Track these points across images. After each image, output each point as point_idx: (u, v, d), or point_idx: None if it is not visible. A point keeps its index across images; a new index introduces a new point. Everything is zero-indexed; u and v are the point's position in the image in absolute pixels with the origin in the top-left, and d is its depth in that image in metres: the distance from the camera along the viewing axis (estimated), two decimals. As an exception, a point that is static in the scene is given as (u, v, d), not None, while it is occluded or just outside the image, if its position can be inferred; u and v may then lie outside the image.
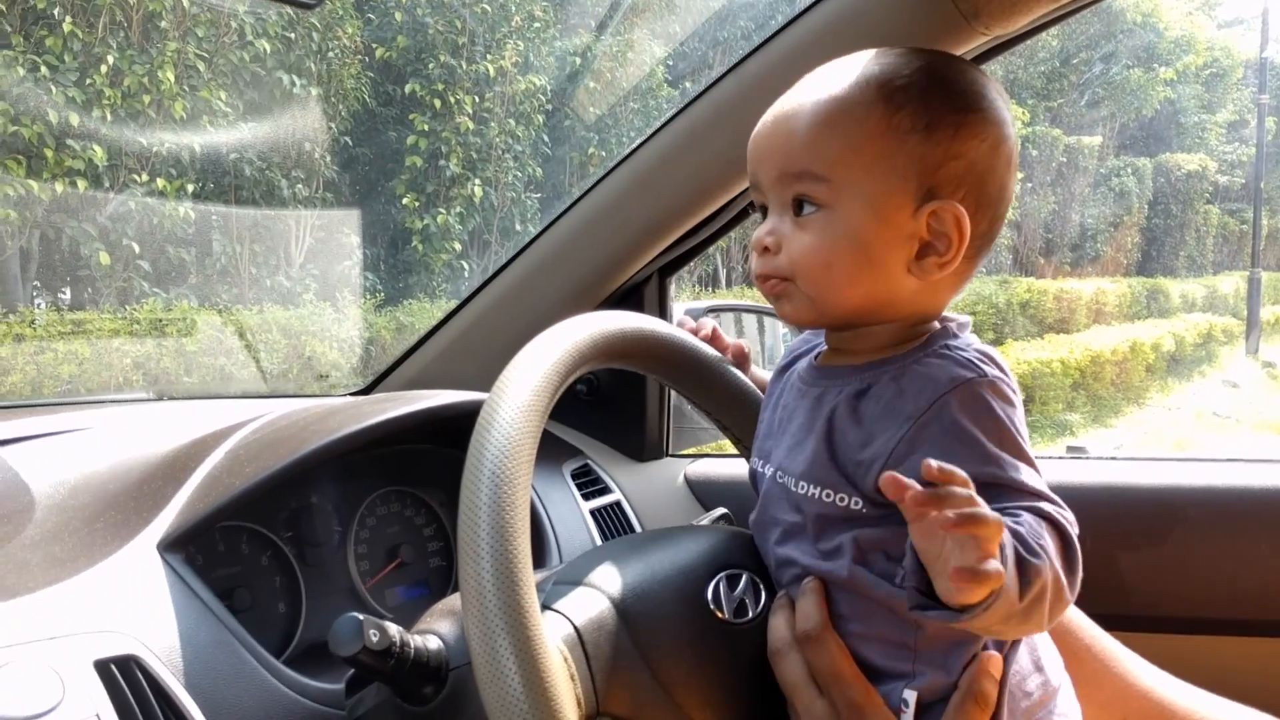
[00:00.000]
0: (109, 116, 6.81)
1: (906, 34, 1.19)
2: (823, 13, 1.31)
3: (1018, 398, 0.90)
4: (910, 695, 0.89)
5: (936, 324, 0.96)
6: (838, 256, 0.93)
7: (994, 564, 0.75)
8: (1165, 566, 1.45)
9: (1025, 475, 0.86)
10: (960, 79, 0.94)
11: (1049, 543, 0.82)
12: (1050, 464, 1.63)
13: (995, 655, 0.89)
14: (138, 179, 7.03)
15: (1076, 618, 1.09)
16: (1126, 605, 1.47)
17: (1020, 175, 15.02)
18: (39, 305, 7.12)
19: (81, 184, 6.68)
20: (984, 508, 0.77)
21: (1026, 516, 0.83)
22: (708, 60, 10.47)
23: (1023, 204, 15.74)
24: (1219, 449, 10.30)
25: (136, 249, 7.02)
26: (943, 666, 0.90)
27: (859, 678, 0.91)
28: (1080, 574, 0.85)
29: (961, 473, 0.78)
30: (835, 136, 0.93)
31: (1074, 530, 0.85)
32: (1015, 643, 0.93)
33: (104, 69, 6.79)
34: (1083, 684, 1.00)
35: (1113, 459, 1.63)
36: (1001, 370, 0.90)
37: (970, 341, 0.94)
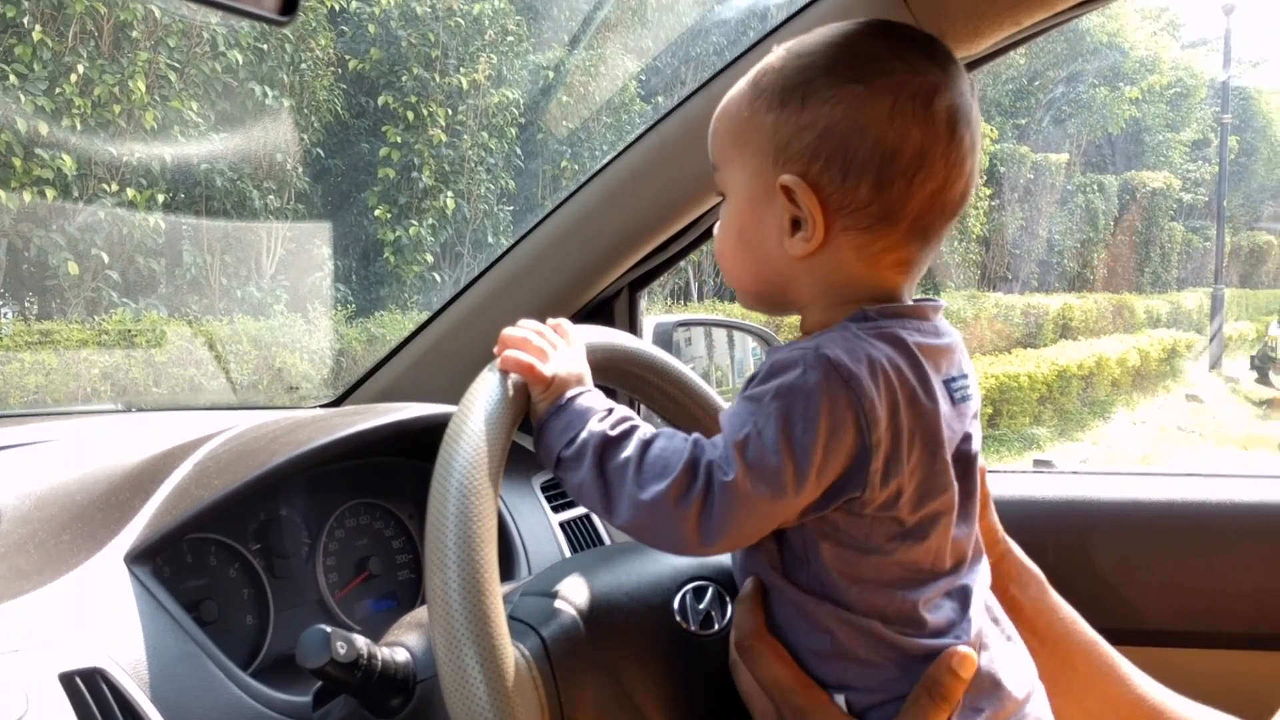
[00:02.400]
0: (79, 126, 6.76)
1: (871, 55, 1.21)
2: (790, 31, 1.32)
3: (813, 400, 0.83)
4: (840, 698, 0.88)
5: (864, 308, 0.90)
6: (729, 242, 0.97)
7: None
8: (1127, 579, 1.48)
9: (722, 429, 0.87)
10: (827, 49, 0.92)
11: (626, 453, 0.86)
12: (1016, 478, 1.66)
13: (964, 652, 0.86)
14: (107, 189, 6.97)
15: (1077, 619, 1.08)
16: (1092, 617, 1.49)
17: (988, 191, 15.25)
18: (5, 315, 7.04)
19: (50, 193, 6.62)
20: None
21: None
22: (680, 76, 10.52)
23: (991, 220, 15.89)
24: (1183, 463, 10.42)
25: (105, 259, 6.96)
26: (875, 673, 0.88)
27: (801, 681, 0.88)
28: (631, 494, 0.86)
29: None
30: (722, 127, 0.97)
31: (692, 470, 0.84)
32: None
33: (74, 78, 6.74)
34: (1074, 689, 1.01)
35: (1076, 473, 1.66)
36: (820, 370, 0.83)
37: (848, 333, 0.87)
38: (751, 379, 0.89)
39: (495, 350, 0.95)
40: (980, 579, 0.95)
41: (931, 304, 0.94)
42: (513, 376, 0.92)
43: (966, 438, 0.94)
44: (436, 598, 0.81)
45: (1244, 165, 23.92)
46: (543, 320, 1.00)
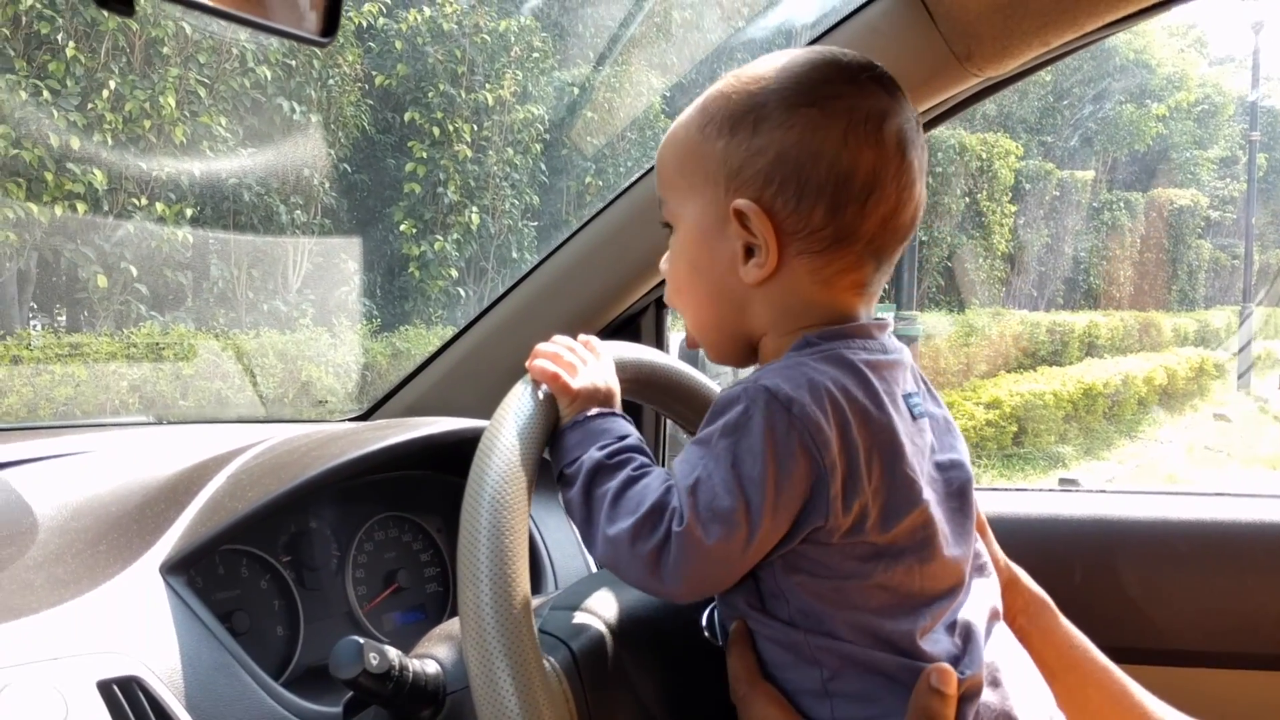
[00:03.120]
0: (110, 141, 6.85)
1: (901, 75, 1.21)
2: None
3: (757, 433, 0.83)
4: None
5: (806, 335, 0.90)
6: (681, 275, 0.96)
7: None
8: (1155, 599, 1.47)
9: (680, 462, 0.87)
10: (777, 75, 0.91)
11: (610, 484, 0.86)
12: (1043, 496, 1.65)
13: (945, 668, 0.83)
14: (137, 203, 7.05)
15: (1088, 646, 1.07)
16: (1118, 637, 1.48)
17: (1013, 208, 15.19)
18: (35, 327, 7.12)
19: (81, 207, 6.71)
20: None
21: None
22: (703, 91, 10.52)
23: (1016, 237, 15.82)
24: (1210, 482, 10.31)
25: (134, 272, 7.04)
26: (872, 708, 0.85)
27: None
28: (602, 526, 0.86)
29: None
30: (668, 156, 0.97)
31: (661, 512, 0.84)
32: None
33: (105, 94, 6.83)
34: (1090, 715, 0.99)
35: (1104, 492, 1.65)
36: (761, 401, 0.83)
37: (789, 361, 0.88)
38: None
39: (527, 363, 0.96)
40: (983, 604, 0.93)
41: (877, 323, 0.93)
42: (543, 388, 0.93)
43: (943, 454, 0.93)
44: (469, 611, 0.82)
45: (1273, 183, 23.73)
46: (572, 336, 1.01)
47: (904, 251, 0.97)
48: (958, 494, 0.92)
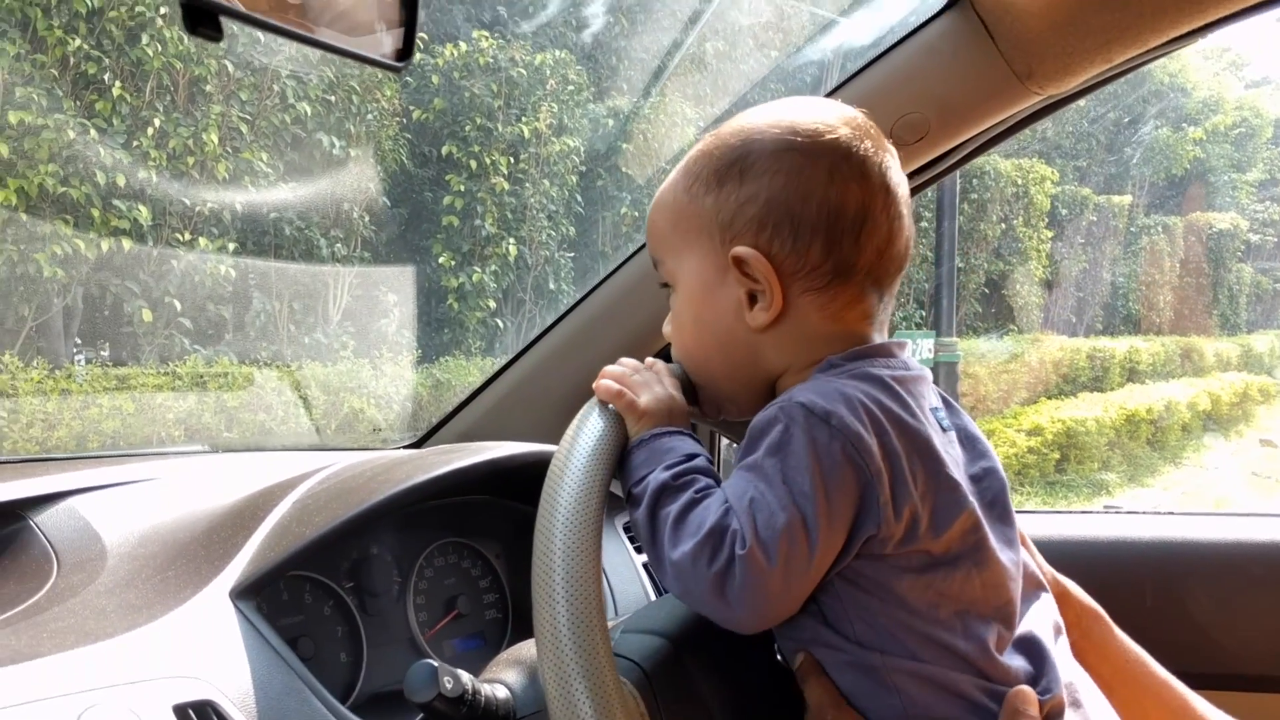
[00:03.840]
0: (154, 177, 6.96)
1: (962, 94, 1.22)
2: (872, 77, 1.34)
3: (800, 447, 0.84)
4: None
5: (830, 358, 0.92)
6: (687, 331, 0.98)
7: None
8: (1228, 623, 1.44)
9: (730, 487, 0.87)
10: (755, 126, 0.94)
11: (673, 506, 0.86)
12: (1109, 519, 1.63)
13: (1025, 690, 0.85)
14: (180, 238, 7.16)
15: (1145, 659, 1.06)
16: (1191, 662, 1.45)
17: (1049, 234, 15.09)
18: (80, 361, 7.22)
19: (126, 243, 6.81)
20: None
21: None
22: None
23: (1054, 263, 15.70)
24: (1260, 509, 10.12)
25: (179, 306, 7.13)
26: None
27: None
28: (666, 548, 0.86)
29: None
30: (659, 219, 0.99)
31: (724, 533, 0.84)
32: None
33: (150, 131, 6.95)
34: None
35: (1172, 514, 1.62)
36: (800, 417, 0.85)
37: (818, 380, 0.90)
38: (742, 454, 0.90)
39: (594, 385, 0.96)
40: (1045, 618, 0.93)
41: (896, 343, 0.95)
42: (612, 408, 0.94)
43: (974, 465, 0.94)
44: (545, 632, 0.82)
45: (1313, 205, 23.41)
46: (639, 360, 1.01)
47: (900, 281, 0.99)
48: (996, 502, 0.93)
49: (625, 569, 1.48)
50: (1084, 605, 1.05)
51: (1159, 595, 1.42)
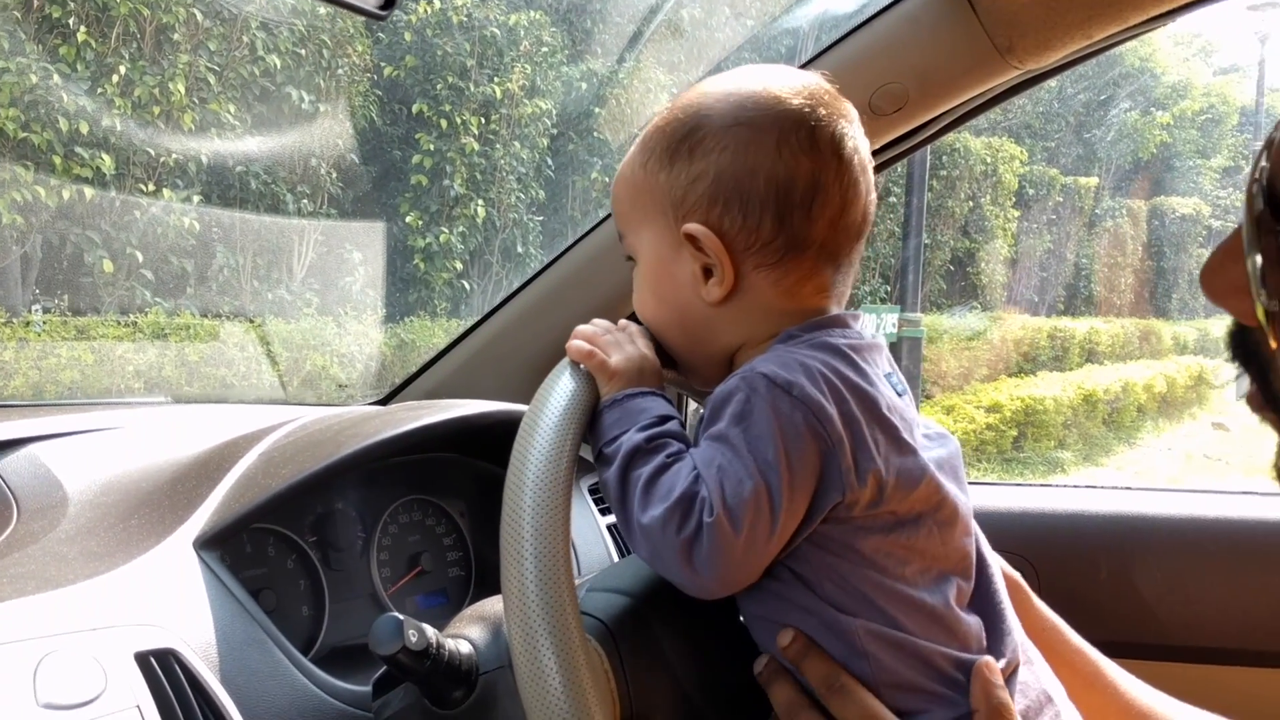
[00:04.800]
0: (118, 126, 6.83)
1: (942, 66, 1.22)
2: (853, 46, 1.34)
3: (763, 416, 0.85)
4: None
5: (789, 330, 0.93)
6: (648, 304, 0.99)
7: None
8: (1181, 596, 1.47)
9: (704, 444, 0.88)
10: (708, 99, 0.95)
11: (644, 469, 0.87)
12: (1069, 492, 1.66)
13: (991, 661, 0.87)
14: (144, 189, 7.04)
15: (1061, 627, 1.08)
16: (1144, 633, 1.48)
17: (1016, 214, 15.19)
18: (38, 310, 7.11)
19: (88, 192, 6.69)
20: None
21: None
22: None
23: (1019, 242, 15.82)
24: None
25: (140, 258, 7.02)
26: (922, 700, 0.87)
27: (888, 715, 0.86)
28: (636, 511, 0.87)
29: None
30: (620, 194, 1.00)
31: (693, 496, 0.85)
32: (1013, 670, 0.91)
33: (115, 79, 6.81)
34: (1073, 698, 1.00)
35: (1130, 489, 1.65)
36: (761, 386, 0.86)
37: (776, 351, 0.91)
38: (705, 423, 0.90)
39: (566, 345, 0.97)
40: (999, 577, 0.96)
41: (850, 314, 0.96)
42: (584, 369, 0.94)
43: (931, 427, 0.96)
44: (513, 589, 0.82)
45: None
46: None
47: (861, 252, 0.99)
48: (948, 463, 0.95)
49: (590, 530, 1.49)
50: (1006, 575, 1.07)
51: (1112, 568, 1.45)
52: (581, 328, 0.98)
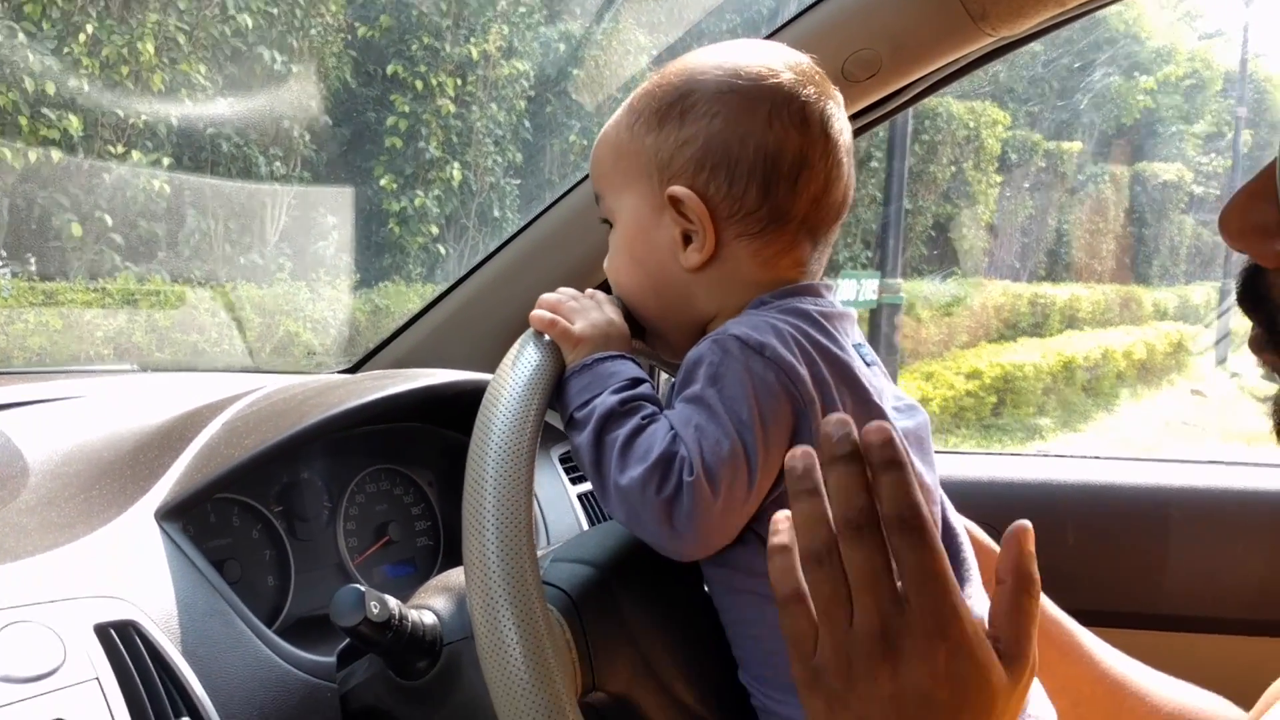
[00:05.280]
0: (86, 86, 6.72)
1: (914, 34, 1.21)
2: (827, 10, 1.32)
3: (736, 377, 0.85)
4: None
5: (762, 296, 0.94)
6: (622, 268, 0.99)
7: None
8: (1146, 564, 1.48)
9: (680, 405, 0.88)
10: (698, 68, 0.95)
11: (620, 431, 0.86)
12: (1038, 461, 1.67)
13: (1024, 524, 0.76)
14: (113, 150, 6.94)
15: (1050, 605, 1.08)
16: (1110, 601, 1.50)
17: (999, 179, 15.19)
18: (5, 275, 7.02)
19: (55, 154, 6.58)
20: None
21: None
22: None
23: (1000, 207, 15.83)
24: (1185, 456, 10.40)
25: (109, 221, 6.93)
26: None
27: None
28: (614, 474, 0.86)
29: None
30: (602, 155, 1.00)
31: (672, 456, 0.85)
32: None
33: (82, 38, 6.69)
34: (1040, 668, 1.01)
35: (1099, 458, 1.66)
36: (735, 348, 0.86)
37: (748, 315, 0.91)
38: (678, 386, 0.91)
39: (530, 314, 0.96)
40: (966, 552, 0.96)
41: (823, 284, 0.97)
42: (547, 338, 0.93)
43: (901, 399, 0.97)
44: (474, 559, 0.81)
45: (1257, 159, 23.75)
46: (579, 290, 1.00)
47: (836, 234, 1.00)
48: (915, 433, 0.95)
49: (560, 500, 1.48)
50: (981, 544, 1.08)
51: (1080, 536, 1.46)
52: (545, 296, 0.98)
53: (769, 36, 1.37)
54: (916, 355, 11.54)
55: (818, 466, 0.72)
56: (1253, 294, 0.72)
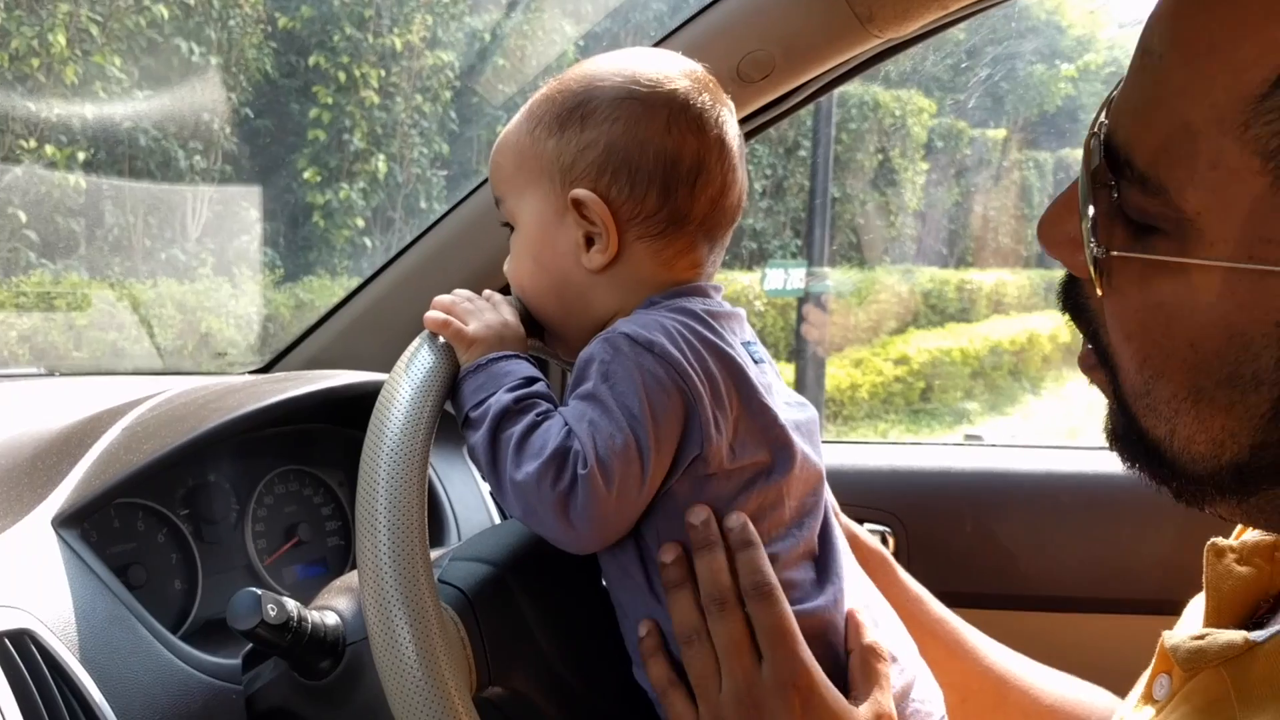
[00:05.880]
0: (-6, 79, 6.54)
1: (801, 36, 1.24)
2: (722, 11, 1.35)
3: (627, 373, 0.88)
4: None
5: (652, 297, 0.97)
6: (524, 271, 1.01)
7: None
8: (1039, 548, 1.54)
9: (573, 402, 0.90)
10: (598, 74, 0.98)
11: (515, 428, 0.88)
12: (938, 450, 1.71)
13: (857, 607, 0.93)
14: (25, 145, 6.75)
15: (924, 597, 1.13)
16: (1005, 584, 1.55)
17: (925, 166, 15.40)
18: (-87, 274, 6.81)
19: (-36, 149, 6.41)
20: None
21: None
22: (620, 41, 10.46)
23: (927, 195, 16.05)
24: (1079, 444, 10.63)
25: (23, 218, 6.75)
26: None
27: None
28: (509, 470, 0.88)
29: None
30: (502, 160, 1.02)
31: (568, 451, 0.87)
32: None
33: (-10, 30, 6.51)
34: (929, 664, 1.03)
35: (994, 446, 1.72)
36: (624, 346, 0.89)
37: (636, 315, 0.94)
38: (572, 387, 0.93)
39: (424, 316, 0.97)
40: (841, 541, 0.99)
41: (712, 285, 1.00)
42: (441, 340, 0.94)
43: (789, 396, 1.00)
44: (367, 561, 0.83)
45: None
46: (477, 291, 1.02)
47: (731, 234, 1.04)
48: (804, 427, 0.98)
49: (471, 498, 1.49)
50: (870, 549, 1.12)
51: (976, 522, 1.51)
52: (440, 298, 0.99)
53: (665, 37, 1.40)
54: (846, 343, 11.68)
55: (684, 558, 0.88)
56: (1073, 303, 0.75)
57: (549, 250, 0.98)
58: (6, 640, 0.92)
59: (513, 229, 1.02)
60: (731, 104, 1.01)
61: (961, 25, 1.37)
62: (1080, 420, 11.74)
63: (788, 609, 0.87)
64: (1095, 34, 21.04)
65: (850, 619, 0.91)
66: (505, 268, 1.04)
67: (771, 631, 0.85)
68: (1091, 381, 0.76)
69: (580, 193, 0.94)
